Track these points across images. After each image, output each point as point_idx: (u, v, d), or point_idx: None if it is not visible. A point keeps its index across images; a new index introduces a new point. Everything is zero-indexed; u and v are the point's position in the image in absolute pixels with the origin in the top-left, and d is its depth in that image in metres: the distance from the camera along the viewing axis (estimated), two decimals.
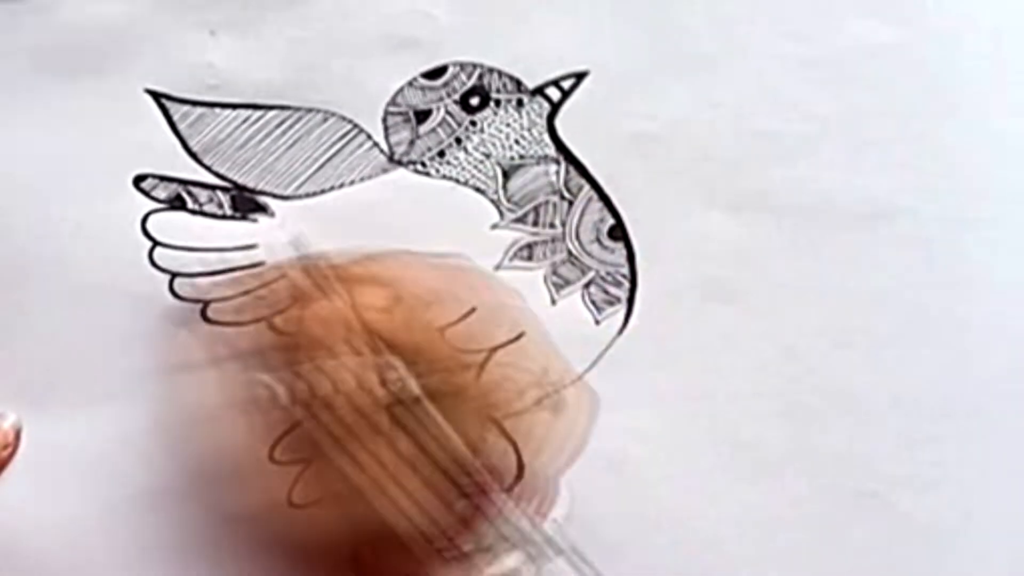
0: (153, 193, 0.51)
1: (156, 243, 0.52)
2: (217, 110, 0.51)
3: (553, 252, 0.54)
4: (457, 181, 0.53)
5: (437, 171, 0.53)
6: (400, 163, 0.52)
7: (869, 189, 0.53)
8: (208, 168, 0.51)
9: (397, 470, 0.49)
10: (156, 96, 0.50)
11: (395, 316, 0.50)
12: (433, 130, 0.52)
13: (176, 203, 0.52)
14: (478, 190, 0.53)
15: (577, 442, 0.51)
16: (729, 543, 0.58)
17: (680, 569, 0.58)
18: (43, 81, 0.49)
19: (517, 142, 0.53)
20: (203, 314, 0.53)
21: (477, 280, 0.52)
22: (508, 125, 0.52)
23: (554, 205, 0.54)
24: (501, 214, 0.54)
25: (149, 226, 0.52)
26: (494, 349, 0.55)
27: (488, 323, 0.49)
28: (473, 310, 0.50)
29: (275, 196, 0.52)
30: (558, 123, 0.52)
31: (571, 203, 0.54)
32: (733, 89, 0.52)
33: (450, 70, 0.51)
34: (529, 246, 0.54)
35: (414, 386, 0.49)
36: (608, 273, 0.55)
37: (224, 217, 0.52)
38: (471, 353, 0.49)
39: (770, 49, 0.51)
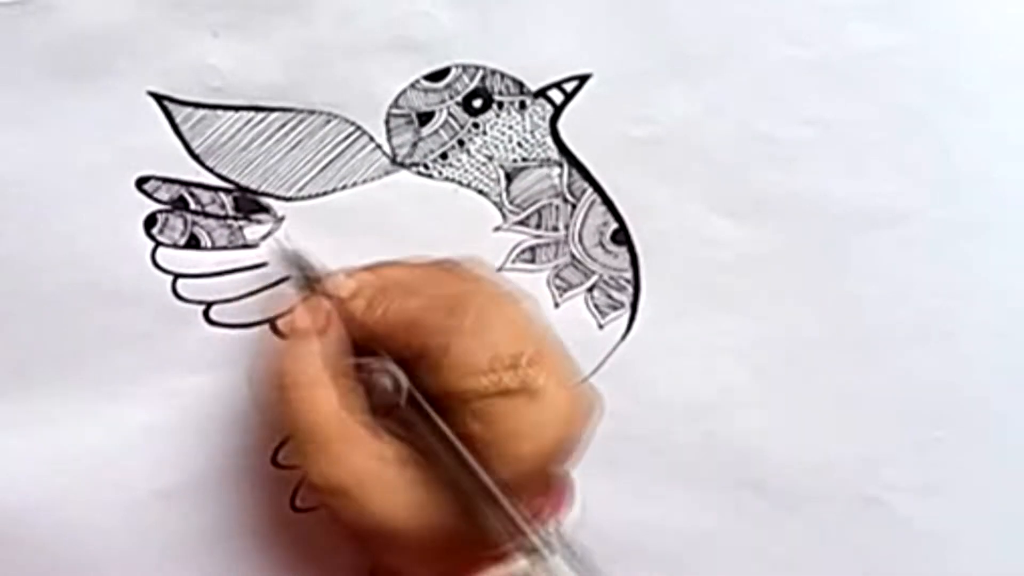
0: (156, 195, 0.51)
1: (159, 244, 0.52)
2: (220, 112, 0.50)
3: (556, 255, 0.54)
4: (460, 183, 0.53)
5: (440, 173, 0.52)
6: (403, 165, 0.52)
7: (871, 193, 0.53)
8: (211, 170, 0.51)
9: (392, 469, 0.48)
10: (159, 98, 0.50)
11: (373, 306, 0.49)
12: (436, 132, 0.52)
13: (178, 204, 0.52)
14: (481, 192, 0.53)
15: (564, 434, 0.48)
16: (731, 548, 0.58)
17: (681, 573, 0.59)
18: (45, 83, 0.49)
19: (520, 144, 0.52)
20: (206, 315, 0.53)
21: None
22: (511, 127, 0.52)
23: (557, 208, 0.53)
24: (504, 216, 0.53)
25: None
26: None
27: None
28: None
29: (277, 198, 0.52)
30: (561, 126, 0.52)
31: (574, 206, 0.53)
32: (735, 93, 0.51)
33: (452, 72, 0.51)
34: (532, 249, 0.54)
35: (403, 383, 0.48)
36: (611, 277, 0.54)
37: (226, 218, 0.52)
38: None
39: (772, 53, 0.51)
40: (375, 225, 0.52)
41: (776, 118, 0.52)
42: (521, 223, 0.54)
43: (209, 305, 0.53)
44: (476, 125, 0.52)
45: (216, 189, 0.52)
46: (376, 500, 0.48)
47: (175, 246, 0.52)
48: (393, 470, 0.48)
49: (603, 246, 0.54)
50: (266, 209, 0.52)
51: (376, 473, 0.48)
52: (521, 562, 0.46)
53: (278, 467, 0.56)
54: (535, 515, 0.49)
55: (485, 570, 0.48)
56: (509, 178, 0.53)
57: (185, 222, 0.52)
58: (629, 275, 0.54)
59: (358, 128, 0.51)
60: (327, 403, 0.48)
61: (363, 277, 0.51)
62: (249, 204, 0.52)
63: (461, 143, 0.52)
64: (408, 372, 0.48)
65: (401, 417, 0.48)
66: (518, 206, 0.53)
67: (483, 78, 0.51)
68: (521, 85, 0.51)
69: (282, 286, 0.53)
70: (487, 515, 0.47)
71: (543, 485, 0.50)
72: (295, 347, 0.49)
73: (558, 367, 0.48)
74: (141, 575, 0.57)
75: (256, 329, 0.53)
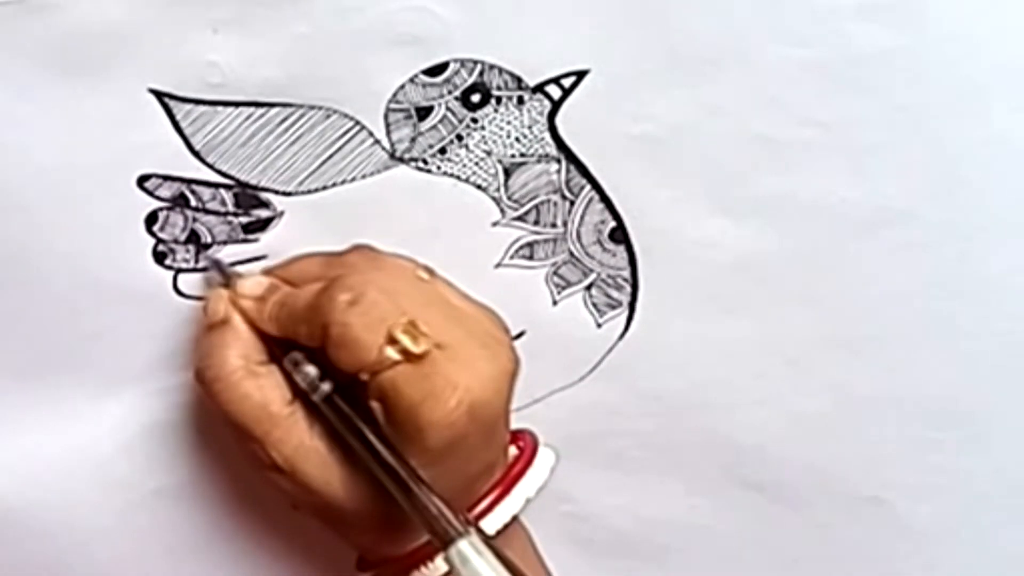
0: (157, 193, 0.52)
1: (160, 240, 0.52)
2: (219, 108, 0.51)
3: (554, 252, 0.54)
4: (458, 178, 0.53)
5: (438, 168, 0.53)
6: (402, 160, 0.52)
7: (871, 194, 0.53)
8: (211, 166, 0.51)
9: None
10: (159, 95, 0.50)
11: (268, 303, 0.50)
12: (434, 127, 0.52)
13: (179, 202, 0.52)
14: (479, 187, 0.53)
15: (466, 397, 0.47)
16: (730, 546, 0.58)
17: (680, 572, 0.58)
18: (45, 81, 0.49)
19: (518, 140, 0.52)
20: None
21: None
22: (509, 123, 0.52)
23: (555, 204, 0.53)
24: (502, 212, 0.53)
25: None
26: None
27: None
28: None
29: (277, 193, 0.52)
30: (559, 122, 0.52)
31: (572, 203, 0.53)
32: (734, 93, 0.51)
33: (451, 67, 0.51)
34: (530, 245, 0.54)
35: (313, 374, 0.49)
36: (610, 276, 0.54)
37: (227, 214, 0.52)
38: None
39: (772, 53, 0.51)
40: (374, 220, 0.53)
41: (776, 118, 0.52)
42: (519, 219, 0.54)
43: None
44: (475, 120, 0.52)
45: (216, 185, 0.52)
46: (314, 476, 0.49)
47: (176, 242, 0.52)
48: (324, 447, 0.49)
49: (601, 244, 0.54)
50: (266, 204, 0.52)
51: (308, 451, 0.49)
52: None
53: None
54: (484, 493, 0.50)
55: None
56: (507, 173, 0.53)
57: (186, 219, 0.52)
58: (627, 274, 0.54)
59: (357, 123, 0.51)
60: (249, 392, 0.49)
61: (276, 273, 0.52)
62: (249, 200, 0.52)
63: (460, 138, 0.52)
64: (323, 359, 0.48)
65: (319, 408, 0.49)
66: (516, 201, 0.53)
67: (481, 73, 0.51)
68: (519, 80, 0.51)
69: None
70: (405, 505, 0.47)
71: (487, 452, 0.50)
72: (209, 341, 0.50)
73: (455, 330, 0.48)
74: (141, 575, 0.57)
75: None
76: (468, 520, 0.47)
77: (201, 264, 0.53)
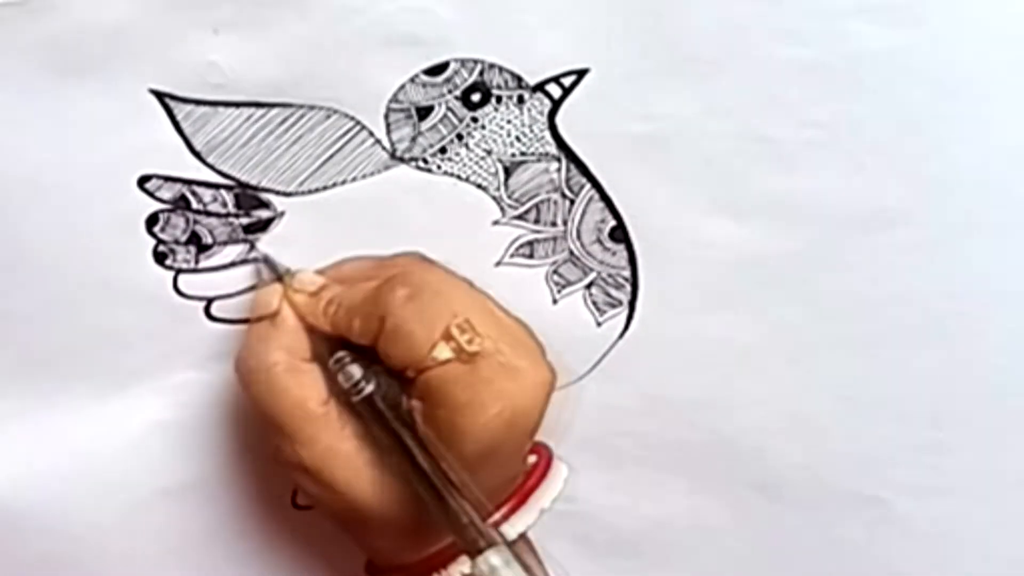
0: (157, 194, 0.52)
1: (160, 241, 0.52)
2: (220, 109, 0.51)
3: (554, 251, 0.54)
4: (459, 177, 0.53)
5: (439, 167, 0.53)
6: (402, 160, 0.52)
7: (871, 195, 0.53)
8: (211, 167, 0.52)
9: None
10: (160, 95, 0.50)
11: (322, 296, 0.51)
12: (435, 127, 0.52)
13: (180, 204, 0.52)
14: (480, 186, 0.53)
15: (509, 406, 0.47)
16: (729, 545, 0.58)
17: (680, 570, 0.58)
18: (46, 81, 0.49)
19: (518, 139, 0.52)
20: (207, 312, 0.53)
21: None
22: (509, 122, 0.52)
23: (555, 203, 0.53)
24: (503, 211, 0.54)
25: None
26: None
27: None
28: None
29: (278, 193, 0.52)
30: (559, 121, 0.52)
31: (572, 202, 0.53)
32: (734, 93, 0.51)
33: (451, 66, 0.51)
34: (530, 243, 0.54)
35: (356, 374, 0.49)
36: (610, 275, 0.54)
37: (228, 215, 0.52)
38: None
39: (772, 53, 0.51)
40: (375, 219, 0.53)
41: (776, 118, 0.52)
42: (519, 217, 0.54)
43: (210, 301, 0.53)
44: (475, 119, 0.52)
45: (217, 186, 0.52)
46: (338, 477, 0.49)
47: (176, 243, 0.52)
48: (355, 449, 0.49)
49: (601, 243, 0.54)
50: (266, 205, 0.53)
51: (336, 452, 0.49)
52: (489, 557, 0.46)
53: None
54: (502, 502, 0.50)
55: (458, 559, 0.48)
56: (507, 172, 0.53)
57: (187, 220, 0.52)
58: (627, 273, 0.54)
59: (358, 123, 0.51)
60: (287, 386, 0.49)
61: (327, 274, 0.52)
62: (250, 200, 0.52)
63: (460, 137, 0.52)
64: (372, 357, 0.49)
65: (358, 409, 0.49)
66: (516, 200, 0.53)
67: (482, 72, 0.51)
68: (519, 79, 0.51)
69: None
70: (436, 511, 0.47)
71: (515, 463, 0.51)
72: (255, 333, 0.51)
73: (501, 339, 0.48)
74: (141, 575, 0.57)
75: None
76: (498, 531, 0.47)
77: (204, 265, 0.53)
